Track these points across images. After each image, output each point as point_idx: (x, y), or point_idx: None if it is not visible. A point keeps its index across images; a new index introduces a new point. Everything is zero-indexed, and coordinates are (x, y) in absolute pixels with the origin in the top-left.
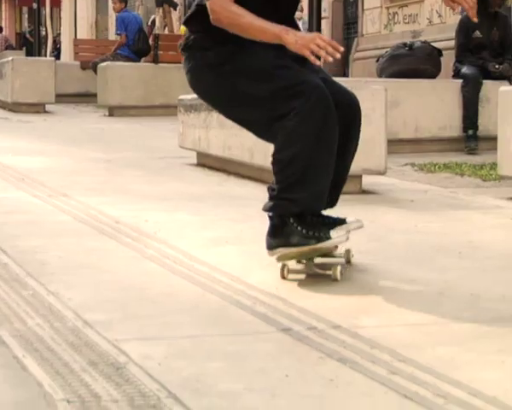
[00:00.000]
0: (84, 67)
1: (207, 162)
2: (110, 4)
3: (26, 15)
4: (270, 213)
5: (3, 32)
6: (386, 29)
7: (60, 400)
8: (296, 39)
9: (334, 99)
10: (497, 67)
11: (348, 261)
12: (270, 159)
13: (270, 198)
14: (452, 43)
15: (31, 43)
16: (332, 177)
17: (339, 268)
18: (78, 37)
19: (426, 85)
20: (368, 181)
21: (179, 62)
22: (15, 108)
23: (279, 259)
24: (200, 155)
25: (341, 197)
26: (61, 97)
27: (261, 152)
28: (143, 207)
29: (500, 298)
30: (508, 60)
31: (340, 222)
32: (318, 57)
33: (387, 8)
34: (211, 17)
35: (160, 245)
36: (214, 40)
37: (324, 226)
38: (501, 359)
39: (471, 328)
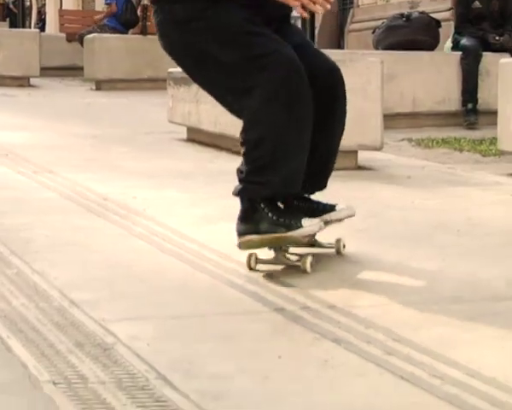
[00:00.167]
0: (69, 39)
1: (198, 138)
2: None
3: None
4: (240, 198)
5: None
6: None
7: (45, 381)
8: None
9: (312, 69)
10: (497, 38)
11: (338, 252)
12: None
13: (239, 181)
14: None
15: (14, 15)
16: (308, 156)
17: (309, 259)
18: (64, 7)
19: (424, 58)
20: (363, 157)
21: None
22: None
23: (247, 247)
24: (190, 130)
25: (336, 173)
26: (46, 71)
27: None
28: (131, 183)
29: (500, 276)
30: (508, 31)
31: (328, 209)
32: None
33: None
34: None
35: (149, 222)
36: None
37: (298, 213)
38: (500, 339)
39: (470, 307)
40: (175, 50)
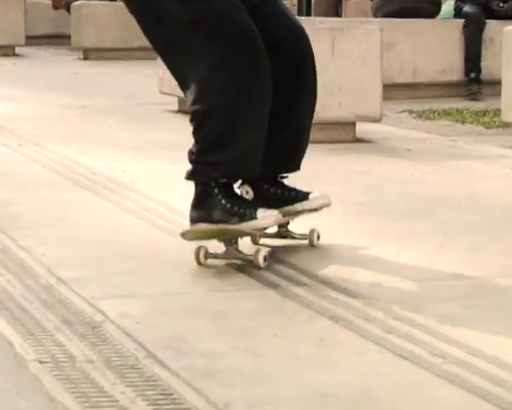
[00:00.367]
0: (56, 6)
1: (189, 109)
2: None
3: None
4: (193, 181)
5: None
6: None
7: (31, 360)
8: None
9: (277, 36)
10: (501, 5)
11: (312, 244)
12: None
13: (190, 163)
14: None
15: None
16: (277, 136)
17: (262, 253)
18: None
19: (424, 25)
20: (362, 129)
21: None
22: None
23: (194, 238)
24: (181, 101)
25: (333, 146)
26: (32, 39)
27: None
28: (121, 156)
29: (502, 252)
30: None
31: (300, 198)
32: None
33: None
34: None
35: (139, 197)
36: None
37: (255, 202)
38: (502, 316)
39: (471, 284)
40: (133, 3)
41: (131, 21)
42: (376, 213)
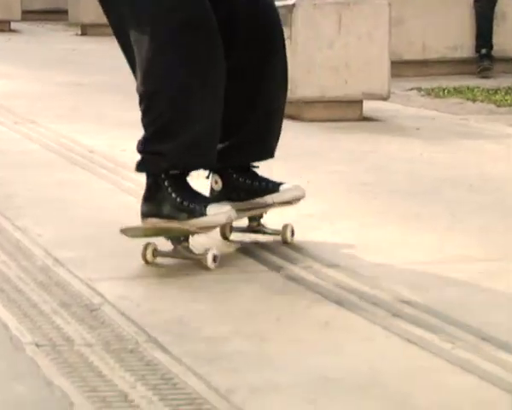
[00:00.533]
0: None
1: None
2: None
3: None
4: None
5: None
6: None
7: (28, 343)
8: None
9: (238, 10)
10: None
11: (285, 241)
12: None
13: (138, 152)
14: None
15: None
16: (245, 121)
17: (211, 254)
18: None
19: (434, 0)
20: (369, 107)
21: None
22: None
23: (140, 234)
24: None
25: (339, 125)
26: (28, 14)
27: None
28: (120, 135)
29: None
30: None
31: (270, 189)
32: None
33: None
34: None
35: (139, 177)
36: None
37: (206, 197)
38: None
39: (482, 267)
40: None
41: None
42: (383, 193)
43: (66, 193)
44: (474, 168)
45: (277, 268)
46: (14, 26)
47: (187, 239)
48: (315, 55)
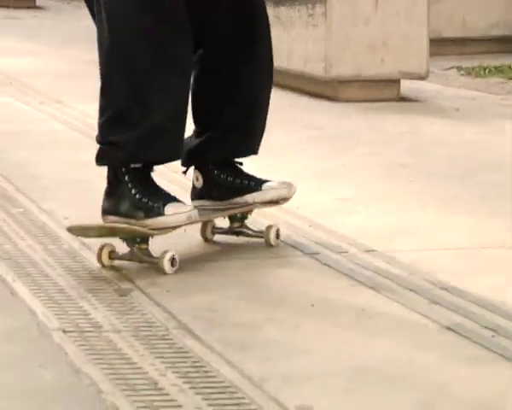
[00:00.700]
0: None
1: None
2: None
3: None
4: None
5: None
6: None
7: (55, 329)
8: None
9: None
10: None
11: (268, 243)
12: (310, 64)
13: (97, 143)
14: None
15: None
16: (224, 113)
17: (167, 257)
18: None
19: None
20: (407, 86)
21: None
22: (2, 2)
23: (91, 234)
24: None
25: (375, 105)
26: None
27: (300, 56)
28: None
29: None
30: None
31: (252, 188)
32: None
33: None
34: None
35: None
36: None
37: (167, 194)
38: None
39: None
40: None
41: None
42: (420, 175)
43: (93, 175)
44: None
45: (312, 253)
46: (39, 2)
47: (145, 241)
48: (351, 32)
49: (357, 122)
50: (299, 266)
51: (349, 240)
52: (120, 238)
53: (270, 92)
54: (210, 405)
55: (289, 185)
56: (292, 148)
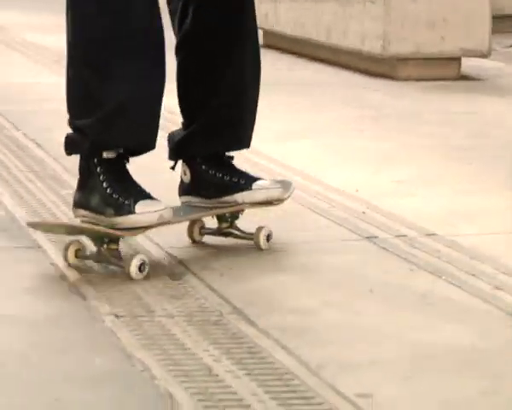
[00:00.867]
0: None
1: (275, 43)
2: None
3: None
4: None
5: None
6: None
7: (106, 314)
8: None
9: None
10: None
11: (258, 246)
12: (350, 38)
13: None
14: None
15: None
16: (202, 96)
17: (135, 262)
18: None
19: None
20: (468, 64)
21: None
22: None
23: (53, 230)
24: (266, 33)
25: (434, 84)
26: None
27: (340, 30)
28: None
29: None
30: None
31: (241, 187)
32: None
33: None
34: None
35: None
36: None
37: (139, 191)
38: None
39: None
40: None
41: None
42: (480, 158)
43: (147, 160)
44: None
45: (370, 237)
46: None
47: (115, 241)
48: (409, 8)
49: (415, 102)
50: (356, 250)
51: (408, 223)
52: (88, 237)
53: (258, 84)
54: (266, 392)
55: (285, 186)
56: (348, 128)
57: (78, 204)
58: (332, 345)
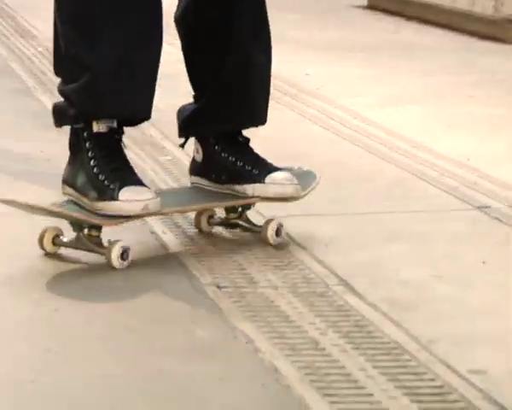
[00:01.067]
0: None
1: (380, 4)
2: None
3: None
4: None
5: None
6: None
7: (208, 285)
8: None
9: None
10: None
11: (266, 240)
12: (479, 2)
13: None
14: None
15: None
16: (206, 68)
17: (117, 249)
18: None
19: None
20: None
21: None
22: None
23: (25, 209)
24: None
25: None
26: None
27: None
28: (303, 58)
29: None
30: None
31: (254, 178)
32: None
33: None
34: None
35: (324, 104)
36: None
37: (128, 174)
38: None
39: None
40: None
41: None
42: None
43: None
44: None
45: (482, 207)
46: None
47: (97, 227)
48: None
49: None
50: (468, 221)
51: None
52: (69, 223)
53: (269, 54)
54: (374, 367)
55: (305, 181)
56: (458, 93)
57: (65, 180)
58: (443, 319)
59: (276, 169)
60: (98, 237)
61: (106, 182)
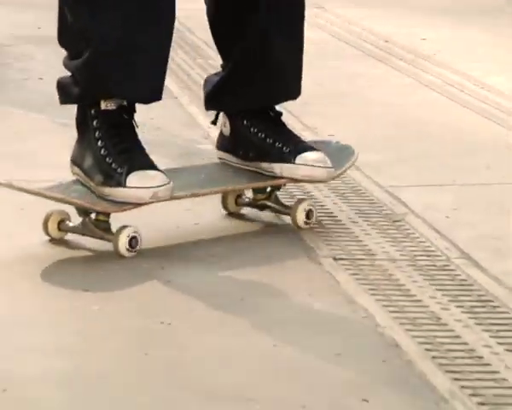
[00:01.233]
0: None
1: None
2: None
3: None
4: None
5: None
6: None
7: (325, 257)
8: None
9: None
10: None
11: (296, 224)
12: None
13: None
14: None
15: None
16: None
17: (123, 238)
18: None
19: None
20: None
21: None
22: None
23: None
24: None
25: None
26: None
27: None
28: (419, 21)
29: None
30: None
31: (284, 157)
32: None
33: None
34: None
35: (442, 70)
36: None
37: (141, 159)
38: None
39: None
40: None
41: None
42: None
43: (360, 88)
44: None
45: None
46: None
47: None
48: None
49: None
50: None
51: None
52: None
53: (302, 17)
54: (500, 343)
55: (339, 161)
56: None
57: (74, 161)
58: None
59: (310, 148)
60: (107, 221)
61: (113, 165)
